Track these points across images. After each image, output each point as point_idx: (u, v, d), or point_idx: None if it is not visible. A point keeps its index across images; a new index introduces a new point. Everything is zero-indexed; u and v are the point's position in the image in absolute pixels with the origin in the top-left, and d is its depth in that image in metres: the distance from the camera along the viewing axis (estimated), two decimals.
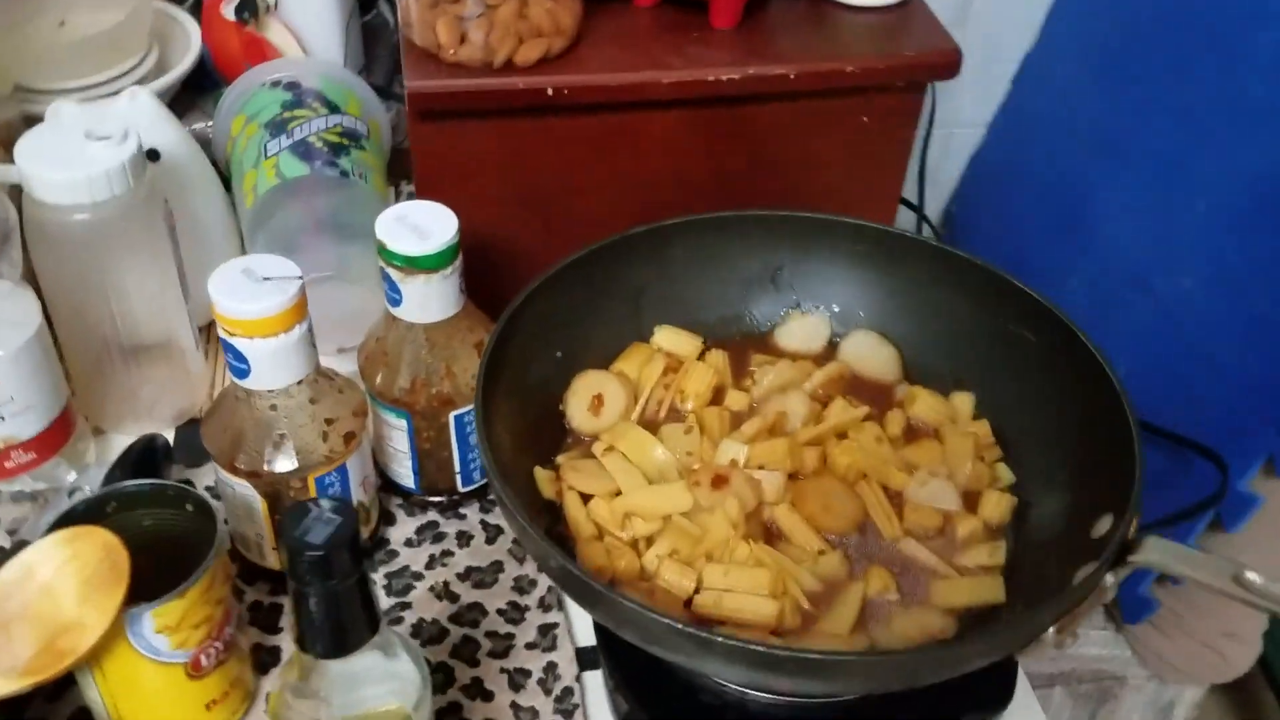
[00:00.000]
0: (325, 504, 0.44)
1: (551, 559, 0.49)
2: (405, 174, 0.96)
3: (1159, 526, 0.86)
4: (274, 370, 0.59)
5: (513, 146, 0.72)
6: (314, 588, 0.43)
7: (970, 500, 0.61)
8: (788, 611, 0.55)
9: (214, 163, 0.88)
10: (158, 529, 0.59)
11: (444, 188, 0.72)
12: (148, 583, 0.56)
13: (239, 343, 0.58)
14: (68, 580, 0.53)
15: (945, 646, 0.46)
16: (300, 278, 0.58)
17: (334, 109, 0.84)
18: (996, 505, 0.60)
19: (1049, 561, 0.56)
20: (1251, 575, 0.47)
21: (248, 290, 0.57)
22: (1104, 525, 0.54)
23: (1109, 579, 0.50)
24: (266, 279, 0.58)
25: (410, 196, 0.96)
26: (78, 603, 0.52)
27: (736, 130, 0.74)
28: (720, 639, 0.46)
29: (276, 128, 0.82)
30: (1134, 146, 0.99)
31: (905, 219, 1.22)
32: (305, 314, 0.59)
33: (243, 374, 0.59)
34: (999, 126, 1.21)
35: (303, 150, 0.81)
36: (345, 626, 0.45)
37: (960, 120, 1.21)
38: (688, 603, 0.55)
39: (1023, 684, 0.65)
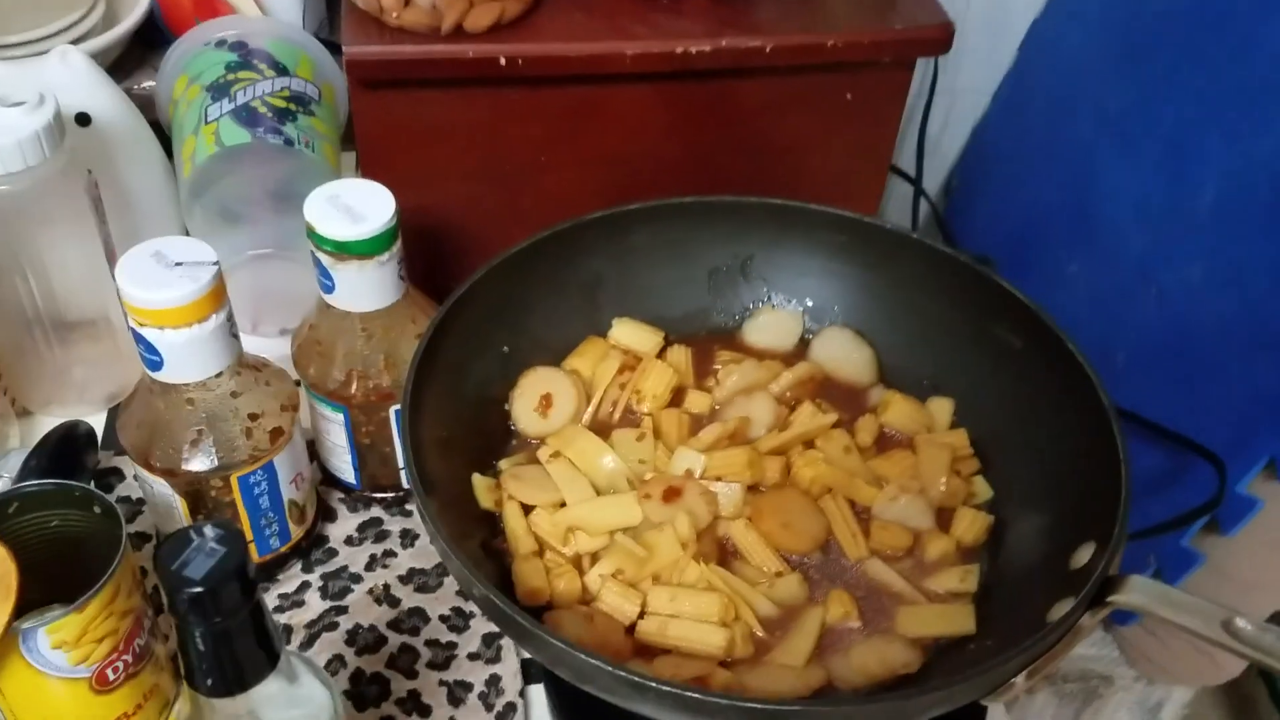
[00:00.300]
0: (209, 532, 0.39)
1: (475, 588, 0.44)
2: None
3: (1154, 531, 0.82)
4: (188, 362, 0.55)
5: (463, 120, 0.67)
6: (197, 626, 0.39)
7: (943, 518, 0.57)
8: (738, 640, 0.50)
9: (159, 127, 0.83)
10: (65, 530, 0.55)
11: (388, 163, 0.67)
12: (60, 588, 0.52)
13: (149, 333, 0.53)
14: None
15: (902, 696, 0.42)
16: (215, 263, 0.53)
17: (282, 71, 0.79)
18: (971, 524, 0.56)
19: (1024, 590, 0.52)
20: (1241, 623, 0.43)
21: (158, 277, 0.52)
22: (1085, 555, 0.49)
23: (1086, 619, 0.45)
24: (179, 264, 0.53)
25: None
26: None
27: (708, 107, 0.69)
28: (654, 684, 0.41)
29: (219, 91, 0.77)
30: (1141, 127, 0.94)
31: (903, 191, 1.17)
32: (223, 302, 0.54)
33: (155, 366, 0.55)
34: (1003, 96, 1.15)
35: (246, 116, 0.75)
36: (239, 663, 0.41)
37: (962, 87, 1.15)
38: (631, 628, 0.51)
39: (996, 711, 0.61)
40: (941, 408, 0.61)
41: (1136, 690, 1.06)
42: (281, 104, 0.77)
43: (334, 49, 0.85)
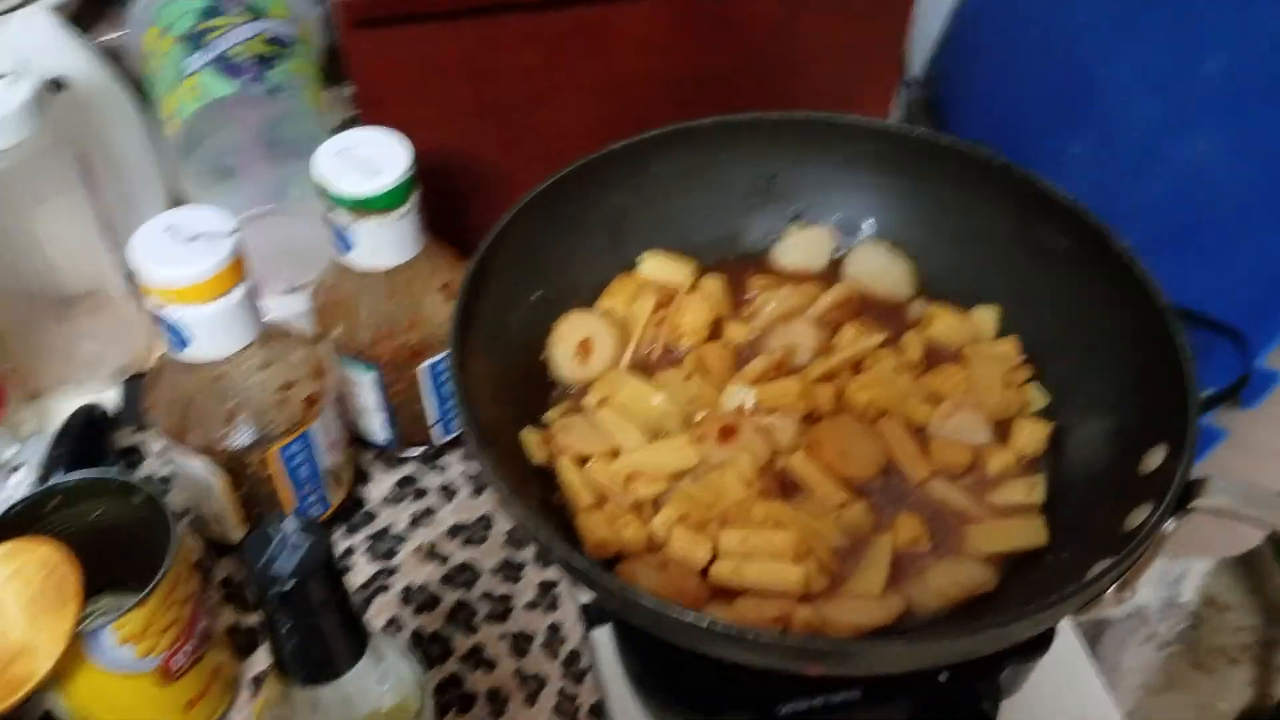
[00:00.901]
0: (289, 524, 0.38)
1: (554, 550, 0.43)
2: (343, 75, 0.87)
3: None
4: (216, 339, 0.52)
5: (461, 53, 0.63)
6: (288, 621, 0.38)
7: (1001, 430, 0.56)
8: (813, 575, 0.50)
9: (132, 82, 0.79)
10: (108, 519, 0.53)
11: (390, 107, 0.63)
12: (107, 575, 0.51)
13: (173, 313, 0.51)
14: (11, 601, 0.47)
15: (1003, 620, 0.41)
16: (234, 231, 0.51)
17: (257, 13, 0.74)
18: (1031, 434, 0.55)
19: (1093, 498, 0.51)
20: None
21: (175, 252, 0.50)
22: (1155, 458, 0.49)
23: (1169, 525, 0.45)
24: (195, 237, 0.50)
25: (351, 102, 0.87)
26: (26, 625, 0.47)
27: (713, 21, 0.66)
28: (749, 635, 0.41)
29: (193, 41, 0.73)
30: None
31: None
32: (245, 271, 0.52)
33: (181, 345, 0.52)
34: None
35: (226, 65, 0.71)
36: (330, 652, 0.40)
37: None
38: (704, 571, 0.50)
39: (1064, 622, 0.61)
40: (987, 316, 0.60)
41: (1158, 565, 1.08)
42: (261, 49, 0.73)
43: None
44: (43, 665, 0.46)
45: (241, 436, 0.55)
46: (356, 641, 0.41)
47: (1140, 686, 1.27)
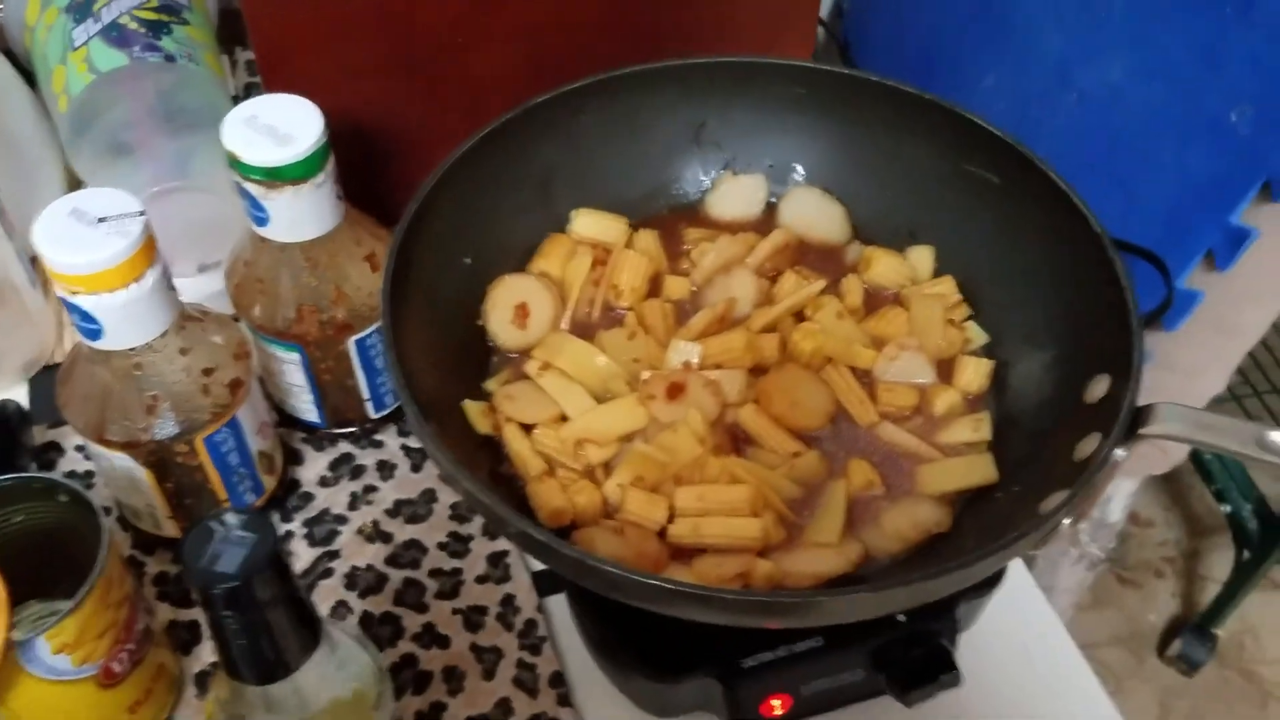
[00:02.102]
0: (230, 519, 0.36)
1: (508, 523, 0.42)
2: (240, 39, 0.83)
3: None
4: (131, 326, 0.49)
5: (373, 6, 0.60)
6: (236, 620, 0.36)
7: (945, 370, 0.56)
8: (771, 527, 0.49)
9: (11, 57, 0.74)
10: (32, 523, 0.50)
11: (295, 68, 0.60)
12: (35, 581, 0.50)
13: (83, 301, 0.48)
14: None
15: (964, 562, 0.41)
16: (142, 213, 0.48)
17: None
18: (973, 372, 0.55)
19: (1040, 431, 0.52)
20: (1274, 436, 0.43)
21: (82, 237, 0.47)
22: (1099, 388, 0.49)
23: (1119, 453, 0.45)
24: (102, 220, 0.47)
25: (251, 67, 0.84)
26: None
27: None
28: (714, 594, 0.40)
29: (80, 10, 0.68)
30: None
31: None
32: (156, 255, 0.49)
33: (94, 335, 0.49)
34: None
35: (116, 35, 0.67)
36: (280, 648, 0.38)
37: None
38: (662, 533, 0.49)
39: None
40: (923, 256, 0.59)
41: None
42: (152, 16, 0.69)
43: None
44: None
45: (165, 428, 0.53)
46: (309, 635, 0.39)
47: (1073, 606, 1.31)
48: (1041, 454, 0.50)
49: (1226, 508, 1.41)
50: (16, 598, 0.45)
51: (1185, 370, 0.93)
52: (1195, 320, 0.89)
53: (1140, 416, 0.45)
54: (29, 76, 0.73)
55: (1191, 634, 1.48)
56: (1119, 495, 1.12)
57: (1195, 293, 0.86)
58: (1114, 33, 0.88)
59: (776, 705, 0.52)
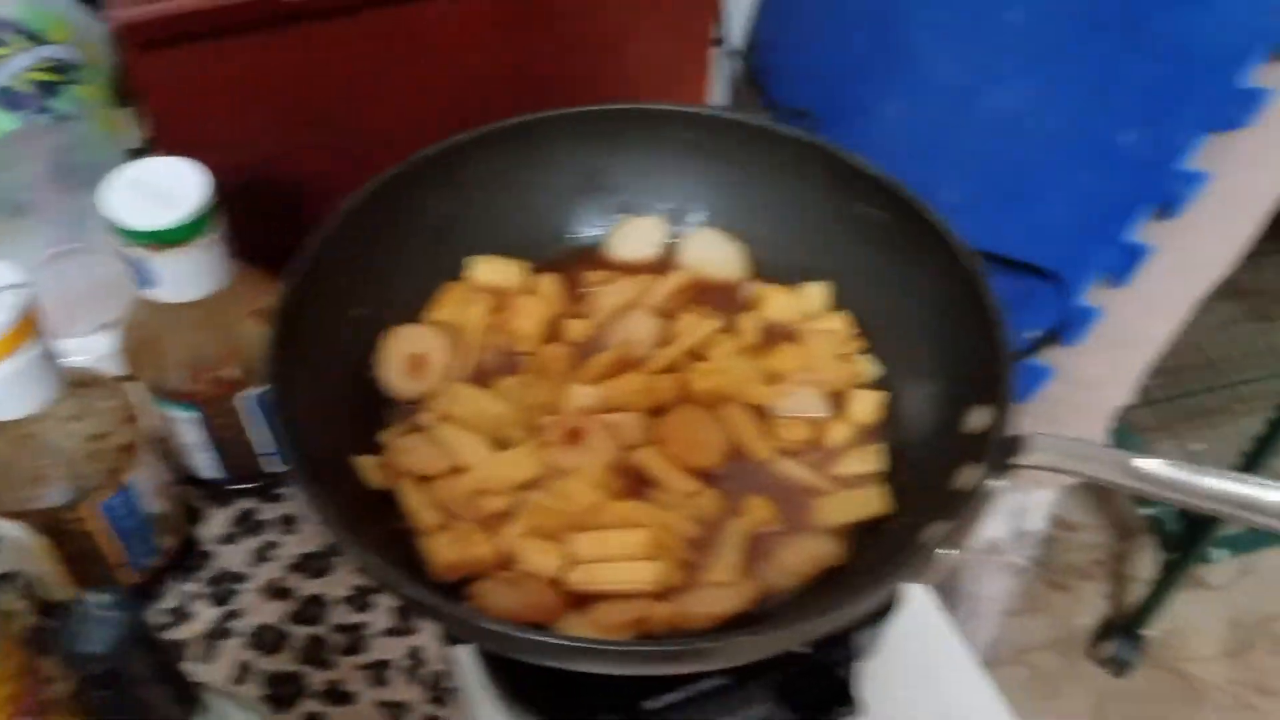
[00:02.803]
0: (93, 600, 0.35)
1: (389, 582, 0.42)
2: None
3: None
4: (14, 399, 0.49)
5: (263, 65, 0.61)
6: (110, 699, 0.35)
7: (839, 404, 0.57)
8: (669, 570, 0.50)
9: None
10: None
11: (187, 130, 0.60)
12: None
13: None
14: None
15: (839, 602, 0.42)
16: (25, 285, 0.47)
17: (37, 40, 0.69)
18: (865, 404, 0.56)
19: (927, 462, 0.53)
20: (1141, 463, 0.45)
21: None
22: (976, 419, 0.50)
23: (997, 484, 0.47)
24: None
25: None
26: None
27: (518, 13, 0.64)
28: (602, 647, 0.41)
29: None
30: None
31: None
32: (39, 324, 0.48)
33: None
34: None
35: (8, 98, 0.67)
36: None
37: None
38: (560, 581, 0.50)
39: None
40: (817, 292, 0.61)
41: (1004, 498, 1.13)
42: (45, 76, 0.68)
43: (88, 2, 0.75)
44: None
45: (55, 495, 0.52)
46: (183, 703, 0.38)
47: (1001, 612, 1.33)
48: (927, 484, 0.51)
49: (1149, 510, 1.44)
50: None
51: (1089, 384, 0.95)
52: (1097, 335, 0.91)
53: (1015, 446, 0.47)
54: None
55: (1121, 635, 1.51)
56: (1036, 507, 1.15)
57: (1094, 309, 0.89)
58: (1011, 60, 0.91)
59: None
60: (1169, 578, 1.44)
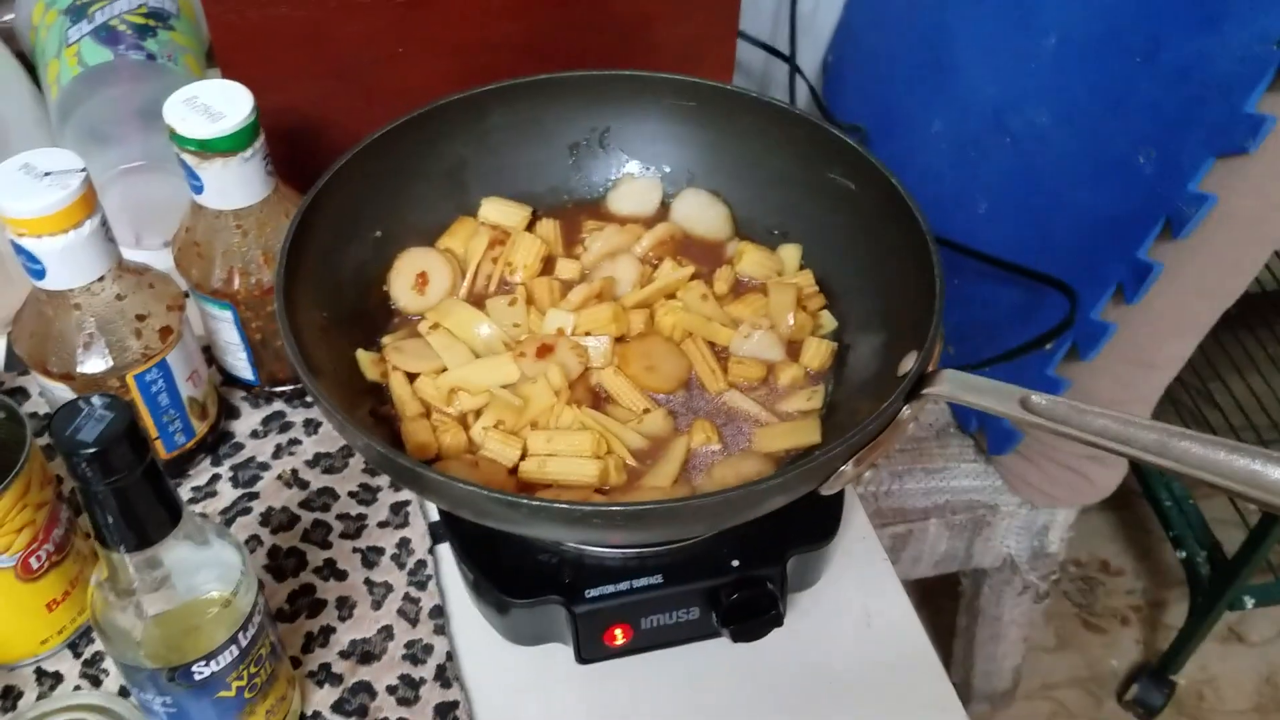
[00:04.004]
0: (96, 401, 0.43)
1: (369, 445, 0.48)
2: None
3: (1015, 353, 0.89)
4: (69, 268, 0.57)
5: (312, 18, 0.69)
6: (97, 486, 0.43)
7: (794, 349, 0.62)
8: (612, 470, 0.55)
9: (23, 55, 0.84)
10: None
11: (247, 65, 0.69)
12: None
13: (27, 243, 0.56)
14: None
15: (746, 488, 0.47)
16: (83, 170, 0.56)
17: None
18: (817, 352, 0.61)
19: (861, 401, 0.58)
20: (1036, 398, 0.49)
21: (28, 188, 0.55)
22: (909, 362, 0.55)
23: (906, 411, 0.51)
24: (47, 174, 0.55)
25: None
26: None
27: None
28: (525, 500, 0.47)
29: (77, 12, 0.78)
30: None
31: (778, 70, 1.21)
32: (95, 207, 0.57)
33: (39, 275, 0.57)
34: None
35: (105, 35, 0.76)
36: (142, 519, 0.45)
37: None
38: (515, 471, 0.56)
39: (860, 519, 0.67)
40: (791, 253, 0.66)
41: (1021, 516, 1.15)
42: (140, 20, 0.78)
43: None
44: None
45: (97, 362, 0.60)
46: (169, 513, 0.46)
47: (1024, 640, 1.34)
48: (857, 416, 0.56)
49: (1181, 553, 1.43)
50: None
51: (1105, 400, 0.98)
52: (1112, 354, 0.94)
53: (924, 380, 0.51)
54: (33, 71, 0.82)
55: (1149, 679, 1.50)
56: (1055, 527, 1.16)
57: (1108, 324, 0.91)
58: (1041, 81, 0.95)
59: (619, 634, 0.57)
60: (1197, 623, 1.43)
